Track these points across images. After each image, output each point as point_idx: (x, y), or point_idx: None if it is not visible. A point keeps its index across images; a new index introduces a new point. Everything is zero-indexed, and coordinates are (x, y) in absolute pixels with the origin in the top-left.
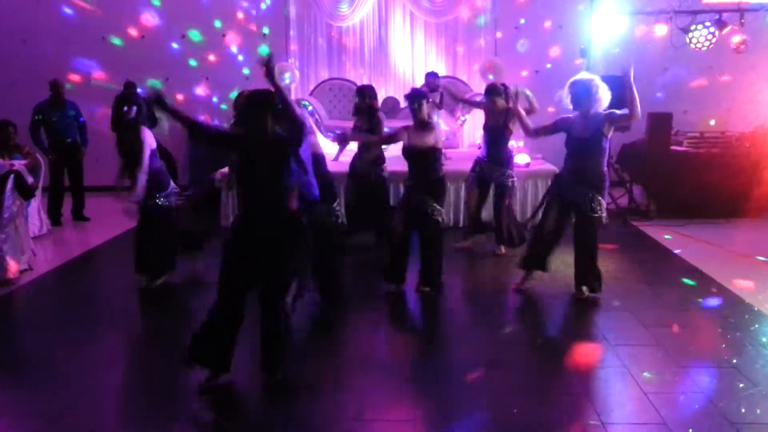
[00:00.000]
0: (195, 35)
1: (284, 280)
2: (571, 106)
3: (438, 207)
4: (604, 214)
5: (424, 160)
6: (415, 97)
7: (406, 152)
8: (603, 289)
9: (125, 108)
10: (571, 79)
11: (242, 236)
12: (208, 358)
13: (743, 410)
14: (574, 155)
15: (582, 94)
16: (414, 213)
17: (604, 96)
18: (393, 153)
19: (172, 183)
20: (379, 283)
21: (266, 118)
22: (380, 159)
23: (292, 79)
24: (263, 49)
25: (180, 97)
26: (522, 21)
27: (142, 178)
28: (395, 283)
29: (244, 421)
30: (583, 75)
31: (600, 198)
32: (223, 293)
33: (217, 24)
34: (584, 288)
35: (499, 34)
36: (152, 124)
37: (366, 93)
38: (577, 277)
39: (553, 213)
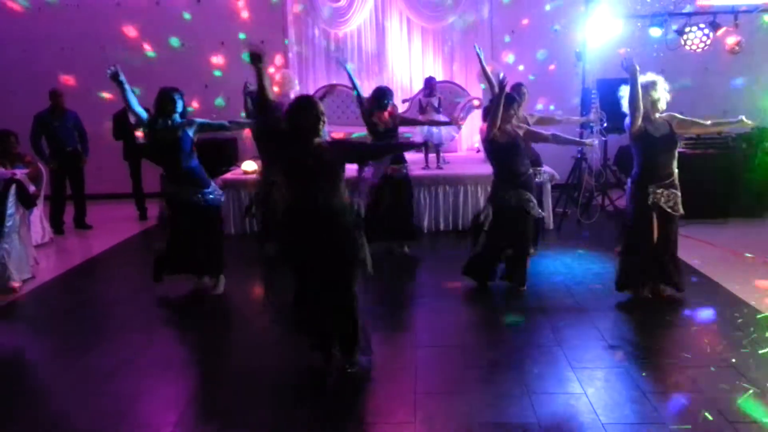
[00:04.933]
0: (191, 44)
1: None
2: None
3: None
4: (681, 210)
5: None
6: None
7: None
8: (601, 288)
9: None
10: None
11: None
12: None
13: (742, 410)
14: (650, 154)
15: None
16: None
17: (662, 95)
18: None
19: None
20: (380, 285)
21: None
22: (403, 158)
23: (291, 86)
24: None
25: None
26: (524, 21)
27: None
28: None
29: (244, 425)
30: (649, 76)
31: (678, 194)
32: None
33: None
34: (666, 287)
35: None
36: None
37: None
38: (659, 275)
39: (653, 219)
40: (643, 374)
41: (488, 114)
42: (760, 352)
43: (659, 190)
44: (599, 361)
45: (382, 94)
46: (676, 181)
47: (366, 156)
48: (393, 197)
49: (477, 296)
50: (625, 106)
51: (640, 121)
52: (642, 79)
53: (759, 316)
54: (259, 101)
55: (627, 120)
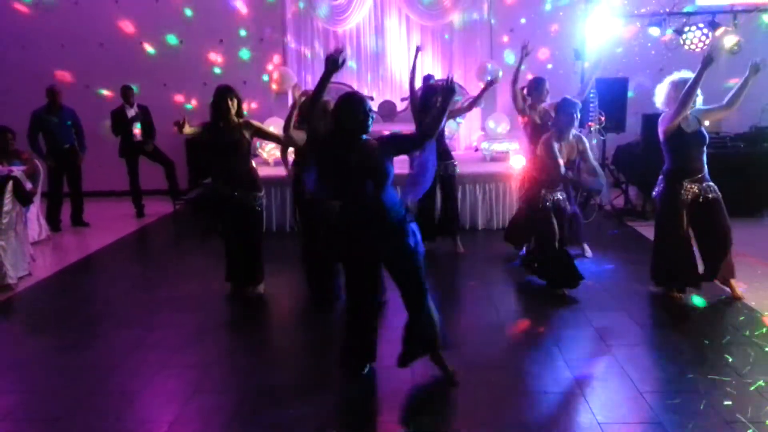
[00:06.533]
0: (191, 41)
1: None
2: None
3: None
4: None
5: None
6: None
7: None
8: (599, 288)
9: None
10: (677, 78)
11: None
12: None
13: (739, 408)
14: (683, 150)
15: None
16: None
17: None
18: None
19: None
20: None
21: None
22: (450, 155)
23: (289, 84)
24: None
25: (179, 98)
26: (523, 20)
27: None
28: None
29: (242, 422)
30: (685, 73)
31: (713, 185)
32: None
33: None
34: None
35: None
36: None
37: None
38: (717, 272)
39: (683, 215)
40: (642, 374)
41: (676, 101)
42: (758, 351)
43: (692, 186)
44: (596, 360)
45: (432, 93)
46: (707, 176)
47: (418, 140)
48: (441, 194)
49: (472, 295)
50: (658, 103)
51: (679, 120)
52: (677, 75)
53: (757, 316)
54: (312, 102)
55: (665, 115)
